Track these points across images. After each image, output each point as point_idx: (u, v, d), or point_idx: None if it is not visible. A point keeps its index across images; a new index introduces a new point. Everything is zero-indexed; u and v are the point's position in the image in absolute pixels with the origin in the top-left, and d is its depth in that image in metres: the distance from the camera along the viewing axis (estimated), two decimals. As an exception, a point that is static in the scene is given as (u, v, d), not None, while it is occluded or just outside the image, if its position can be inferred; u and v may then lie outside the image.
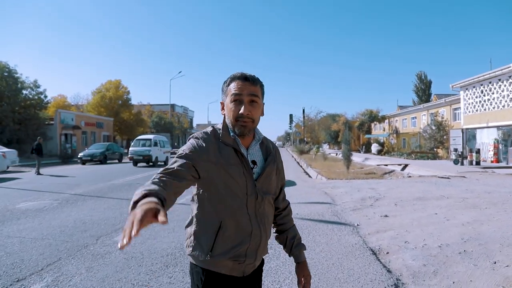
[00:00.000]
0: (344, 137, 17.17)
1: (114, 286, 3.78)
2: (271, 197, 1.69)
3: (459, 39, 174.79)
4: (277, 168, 1.74)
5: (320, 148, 36.22)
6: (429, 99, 53.49)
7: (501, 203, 8.55)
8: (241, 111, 1.50)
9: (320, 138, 50.75)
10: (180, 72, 54.28)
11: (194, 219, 1.59)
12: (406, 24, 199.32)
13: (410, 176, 15.28)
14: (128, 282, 3.91)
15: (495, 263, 4.37)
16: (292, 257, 1.81)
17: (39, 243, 5.38)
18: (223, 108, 1.62)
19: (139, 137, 25.31)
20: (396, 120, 46.53)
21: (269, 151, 1.71)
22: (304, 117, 45.46)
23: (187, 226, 1.64)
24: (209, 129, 1.61)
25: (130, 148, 23.56)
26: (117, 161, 29.09)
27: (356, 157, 28.77)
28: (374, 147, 41.73)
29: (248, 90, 1.52)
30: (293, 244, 1.78)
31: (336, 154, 32.93)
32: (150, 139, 23.67)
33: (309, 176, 16.78)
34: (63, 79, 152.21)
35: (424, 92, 65.80)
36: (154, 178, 1.36)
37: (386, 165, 21.31)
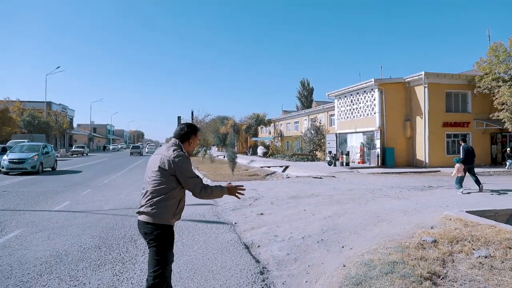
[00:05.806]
0: (229, 140, 17.87)
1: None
2: None
3: (341, 45, 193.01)
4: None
5: (208, 151, 36.76)
6: (311, 105, 57.95)
7: (358, 198, 10.01)
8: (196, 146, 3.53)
9: (209, 141, 51.31)
10: (58, 67, 49.07)
11: (168, 197, 2.81)
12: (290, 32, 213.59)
13: (288, 177, 16.62)
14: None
15: (342, 247, 5.25)
16: None
17: None
18: (191, 143, 3.08)
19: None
20: (281, 124, 49.40)
21: None
22: (192, 119, 45.41)
23: (159, 201, 2.79)
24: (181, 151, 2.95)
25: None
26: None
27: (243, 159, 29.89)
28: (260, 150, 43.79)
29: None
30: None
31: (224, 157, 33.78)
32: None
33: (197, 179, 17.02)
34: None
35: (306, 98, 71.49)
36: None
37: (269, 167, 22.59)
